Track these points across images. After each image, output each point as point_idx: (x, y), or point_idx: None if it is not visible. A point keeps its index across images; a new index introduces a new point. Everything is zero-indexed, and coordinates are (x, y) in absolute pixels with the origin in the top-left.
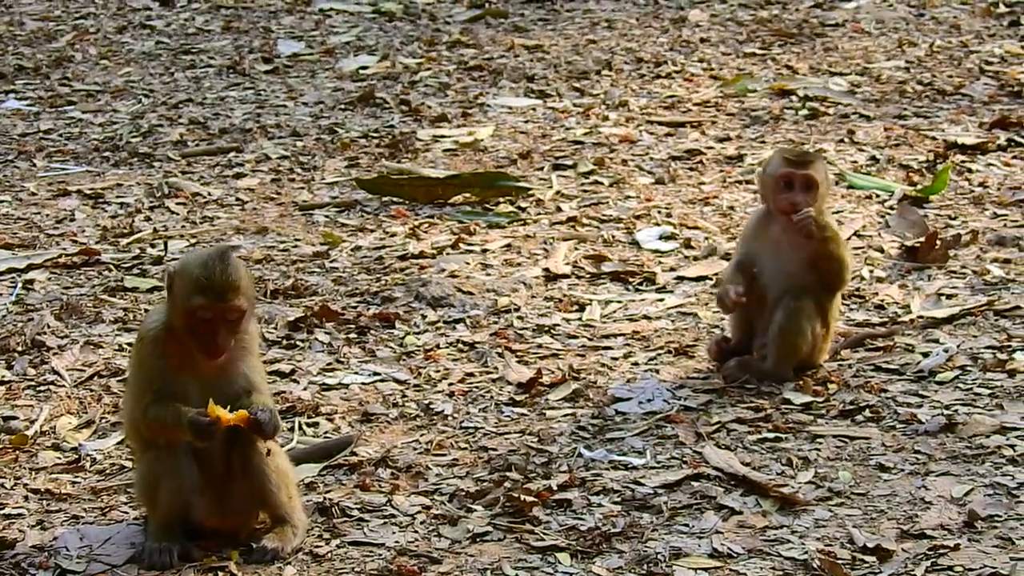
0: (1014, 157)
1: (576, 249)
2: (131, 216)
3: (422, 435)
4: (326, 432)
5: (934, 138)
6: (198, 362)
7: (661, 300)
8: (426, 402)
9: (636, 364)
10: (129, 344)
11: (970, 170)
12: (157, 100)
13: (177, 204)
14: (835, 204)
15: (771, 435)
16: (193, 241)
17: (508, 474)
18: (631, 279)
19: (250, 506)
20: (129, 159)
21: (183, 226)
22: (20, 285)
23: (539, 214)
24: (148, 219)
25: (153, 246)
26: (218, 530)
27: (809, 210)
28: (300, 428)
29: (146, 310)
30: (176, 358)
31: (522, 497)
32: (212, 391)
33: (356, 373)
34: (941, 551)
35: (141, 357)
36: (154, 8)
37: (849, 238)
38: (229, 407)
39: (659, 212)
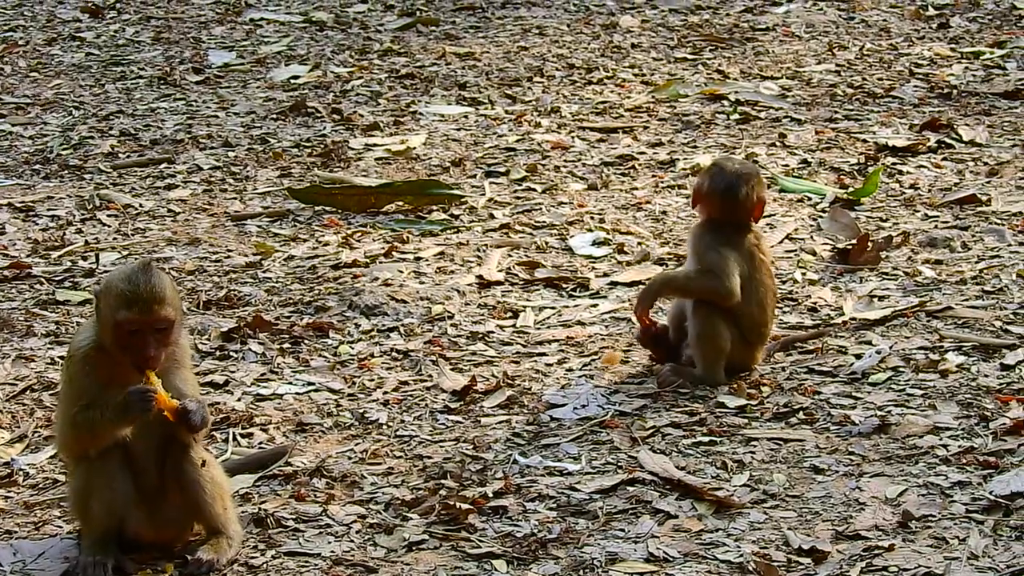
0: (944, 159)
1: (509, 256)
2: (62, 229)
3: (357, 444)
4: (260, 443)
5: (865, 141)
6: (130, 378)
7: (595, 306)
8: (360, 411)
9: (570, 370)
10: (61, 357)
11: (901, 172)
12: (87, 112)
13: (108, 216)
14: (767, 208)
15: (706, 439)
16: (125, 253)
17: (443, 482)
18: (564, 285)
19: (185, 518)
20: (60, 171)
21: (115, 238)
22: None
23: (472, 221)
24: (79, 232)
25: (85, 259)
26: (153, 543)
27: None
28: (234, 439)
29: (78, 323)
30: (107, 375)
31: (457, 505)
32: None
33: (290, 383)
34: (876, 552)
35: (71, 375)
36: (84, 20)
37: (781, 241)
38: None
39: (592, 218)
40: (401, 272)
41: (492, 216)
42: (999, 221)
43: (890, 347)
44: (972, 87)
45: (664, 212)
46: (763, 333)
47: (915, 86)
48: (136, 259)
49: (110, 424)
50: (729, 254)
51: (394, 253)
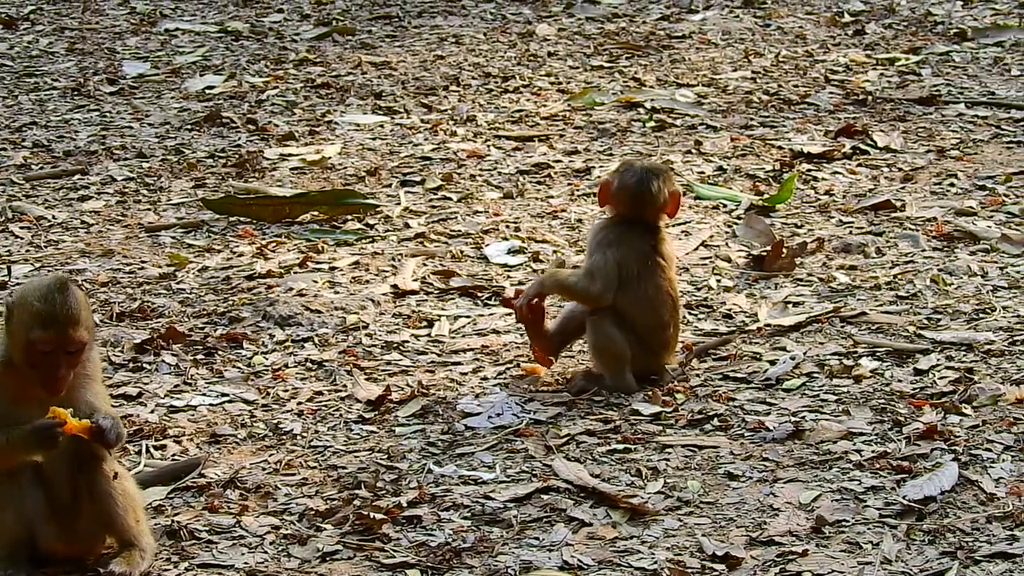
0: (859, 165)
1: (424, 265)
2: None
3: (271, 455)
4: (174, 454)
5: (780, 147)
6: (39, 393)
7: (510, 314)
8: (274, 422)
9: (485, 379)
10: None
11: (816, 178)
12: (0, 123)
13: (21, 228)
14: (682, 215)
15: (620, 446)
16: (38, 265)
17: (357, 492)
18: (480, 294)
19: (97, 531)
20: None
21: (27, 250)
22: None
23: (387, 231)
24: None
25: None
26: (65, 557)
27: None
28: (147, 451)
29: None
30: (15, 390)
31: (371, 515)
32: None
33: (204, 394)
34: (790, 557)
35: None
36: None
37: (697, 248)
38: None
39: (507, 226)
40: (316, 282)
41: (407, 225)
42: (913, 227)
43: (804, 353)
44: (887, 93)
45: (580, 220)
46: (663, 337)
47: (830, 92)
48: (49, 271)
49: (16, 452)
50: (613, 255)
51: (309, 263)
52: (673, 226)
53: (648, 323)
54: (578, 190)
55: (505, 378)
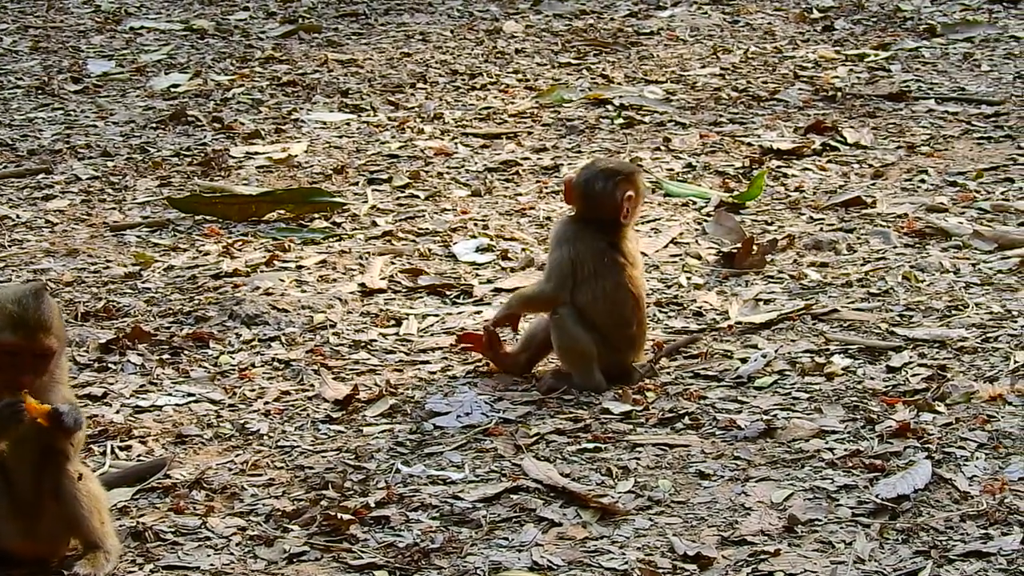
0: (829, 161)
1: (392, 263)
2: None
3: (237, 455)
4: (139, 455)
5: (750, 144)
6: (2, 394)
7: (479, 313)
8: (241, 422)
9: (454, 378)
10: None
11: (786, 175)
12: None
13: None
14: (652, 212)
15: (591, 445)
16: (1, 265)
17: (325, 492)
18: (448, 292)
19: (61, 532)
20: None
21: None
22: None
23: (354, 229)
24: None
25: None
26: (29, 558)
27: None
28: (112, 452)
29: None
30: None
31: (339, 515)
32: None
33: (169, 395)
34: (762, 557)
35: None
36: None
37: (666, 245)
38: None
39: (475, 224)
40: (282, 281)
41: (375, 223)
42: (884, 223)
43: (775, 351)
44: (857, 89)
45: (548, 218)
46: (626, 335)
47: (800, 89)
48: (13, 271)
49: None
50: (568, 252)
51: (275, 262)
52: (643, 223)
53: (608, 321)
54: (546, 187)
55: (474, 377)
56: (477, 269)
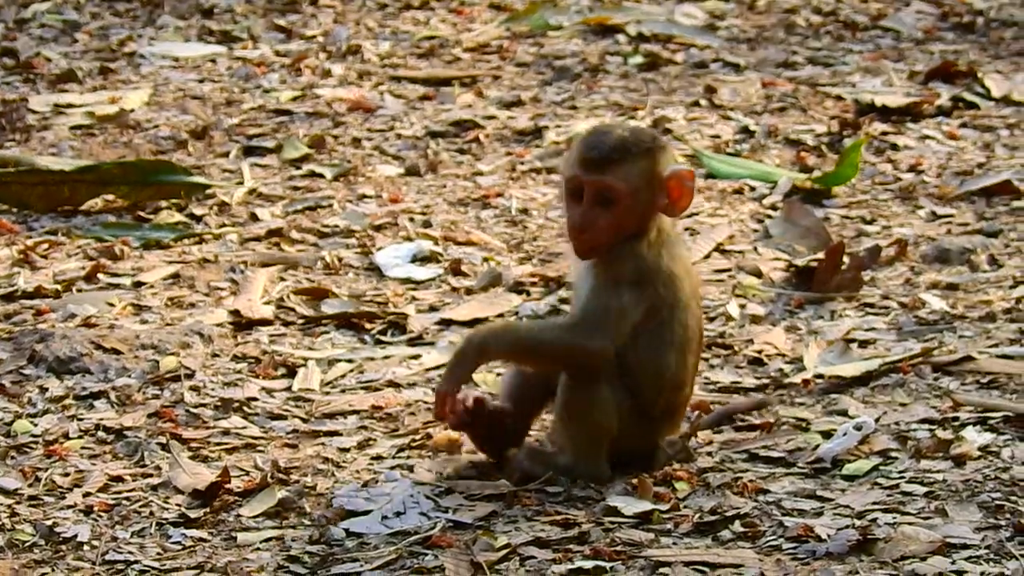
0: (962, 125)
1: (282, 279)
2: None
3: (43, 574)
4: None
5: (840, 98)
6: None
7: (416, 358)
8: (49, 523)
9: (378, 458)
10: None
11: (895, 147)
12: None
13: None
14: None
15: (589, 564)
16: None
17: None
18: (369, 325)
19: None
20: None
21: None
22: None
23: (223, 226)
24: None
25: None
26: None
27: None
28: None
29: None
30: None
31: None
32: None
33: None
34: None
35: None
36: None
37: (709, 255)
38: None
39: (411, 220)
40: (112, 305)
41: (255, 217)
42: None
43: (877, 420)
44: (1007, 13)
45: (525, 210)
46: (676, 401)
47: (918, 12)
48: None
49: None
50: (641, 297)
51: (101, 276)
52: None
53: (662, 380)
54: (522, 162)
55: (407, 457)
56: (414, 289)
